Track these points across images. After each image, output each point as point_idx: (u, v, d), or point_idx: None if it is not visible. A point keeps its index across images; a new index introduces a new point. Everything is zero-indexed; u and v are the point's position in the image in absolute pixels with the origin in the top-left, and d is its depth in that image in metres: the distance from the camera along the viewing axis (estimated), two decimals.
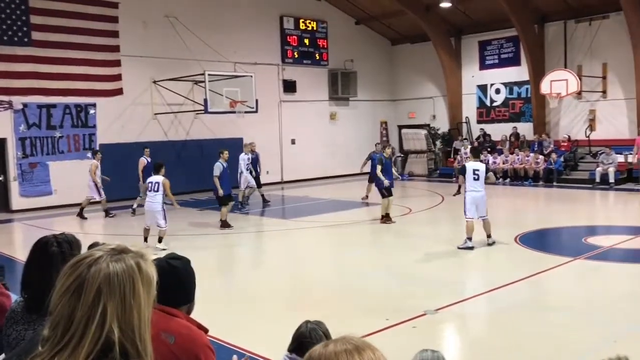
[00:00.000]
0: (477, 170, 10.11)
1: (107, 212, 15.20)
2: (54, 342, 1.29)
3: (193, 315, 2.44)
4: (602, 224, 13.06)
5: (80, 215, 15.01)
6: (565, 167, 19.85)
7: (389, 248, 11.00)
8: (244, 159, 16.10)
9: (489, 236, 10.20)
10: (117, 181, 16.88)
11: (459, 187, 15.35)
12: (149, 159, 15.45)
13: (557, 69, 19.72)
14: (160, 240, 10.52)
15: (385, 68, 26.28)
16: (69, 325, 1.28)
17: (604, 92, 20.25)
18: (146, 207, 10.79)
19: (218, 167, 12.57)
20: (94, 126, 17.92)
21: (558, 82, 19.04)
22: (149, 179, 10.99)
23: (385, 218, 12.93)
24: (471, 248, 9.91)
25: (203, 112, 17.95)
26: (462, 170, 10.42)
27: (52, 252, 2.53)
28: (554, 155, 19.73)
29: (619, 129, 19.91)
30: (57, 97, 17.07)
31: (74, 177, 17.28)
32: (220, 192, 12.55)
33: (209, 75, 17.16)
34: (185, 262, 2.46)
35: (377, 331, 5.77)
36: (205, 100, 17.05)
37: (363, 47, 25.13)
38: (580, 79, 19.23)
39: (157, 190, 10.52)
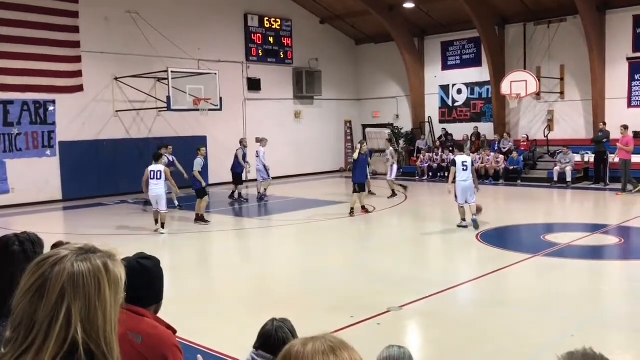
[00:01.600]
0: (465, 162, 11.66)
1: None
2: (17, 343, 1.26)
3: (159, 316, 2.43)
4: (559, 221, 13.41)
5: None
6: (525, 166, 20.30)
7: (353, 246, 11.08)
8: (262, 152, 17.29)
9: (474, 214, 11.53)
10: (78, 179, 16.54)
11: (393, 191, 16.68)
12: (172, 157, 15.60)
13: (516, 70, 20.14)
14: (162, 226, 11.94)
15: (350, 67, 26.42)
16: (32, 326, 1.25)
17: (562, 93, 20.79)
18: (151, 193, 12.04)
19: (199, 163, 13.40)
20: (54, 123, 17.51)
21: (518, 83, 19.44)
22: (151, 168, 12.19)
23: (351, 212, 13.66)
24: (465, 227, 11.61)
25: (166, 109, 17.75)
26: (454, 163, 11.89)
27: (14, 251, 2.47)
28: (514, 154, 20.14)
29: (576, 130, 20.46)
30: (15, 93, 16.62)
31: (32, 175, 16.90)
32: (204, 183, 13.32)
33: (172, 72, 16.96)
34: (155, 262, 2.45)
35: (341, 328, 5.82)
36: (168, 98, 16.86)
37: (328, 46, 25.21)
38: (539, 80, 19.68)
39: (160, 178, 12.01)
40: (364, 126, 26.13)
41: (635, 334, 6.08)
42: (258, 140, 17.70)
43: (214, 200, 16.29)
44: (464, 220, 11.68)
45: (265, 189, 17.40)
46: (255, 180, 17.84)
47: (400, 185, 17.50)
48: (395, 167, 17.26)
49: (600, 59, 19.30)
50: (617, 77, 19.42)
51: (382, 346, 2.80)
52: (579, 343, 1.33)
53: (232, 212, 15.83)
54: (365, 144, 14.90)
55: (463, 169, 11.54)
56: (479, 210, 11.67)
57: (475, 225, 11.37)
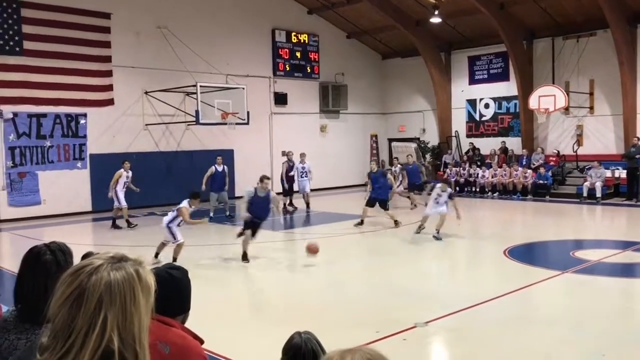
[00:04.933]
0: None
1: (128, 223, 14.98)
2: (55, 351, 1.29)
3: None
4: (589, 238, 13.17)
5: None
6: (554, 182, 20.02)
7: (379, 260, 11.02)
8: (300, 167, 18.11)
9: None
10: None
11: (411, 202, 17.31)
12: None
13: (545, 85, 19.96)
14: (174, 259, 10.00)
15: (376, 82, 26.45)
16: (69, 334, 1.28)
17: (591, 108, 20.50)
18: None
19: (249, 194, 10.82)
20: (85, 136, 17.88)
21: (546, 98, 19.26)
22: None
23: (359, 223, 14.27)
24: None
25: (194, 123, 17.97)
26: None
27: (46, 261, 2.52)
28: (542, 169, 19.90)
29: (606, 145, 20.14)
30: (47, 106, 17.03)
31: (63, 187, 17.23)
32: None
33: (200, 86, 17.20)
34: (184, 272, 2.48)
35: (367, 343, 5.78)
36: (197, 112, 17.08)
37: (354, 60, 25.30)
38: (567, 94, 19.46)
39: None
40: (390, 140, 26.08)
41: None
42: (301, 155, 18.52)
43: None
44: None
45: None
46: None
47: (408, 197, 17.96)
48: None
49: (631, 73, 19.01)
50: None
51: None
52: None
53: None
54: (374, 161, 15.63)
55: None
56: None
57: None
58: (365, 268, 10.34)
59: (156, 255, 10.37)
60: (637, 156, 17.63)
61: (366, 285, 8.82)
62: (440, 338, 6.69)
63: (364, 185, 17.04)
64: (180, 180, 19.27)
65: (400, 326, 6.55)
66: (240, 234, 11.00)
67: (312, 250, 9.96)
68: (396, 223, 14.04)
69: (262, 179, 10.77)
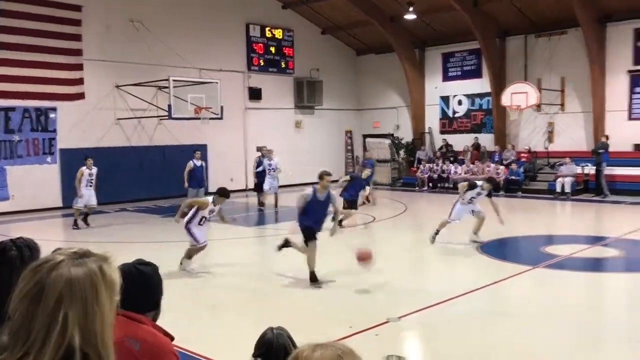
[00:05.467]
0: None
1: (75, 222, 14.02)
2: (15, 349, 1.25)
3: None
4: (559, 233, 13.38)
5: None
6: (525, 178, 20.29)
7: (352, 256, 11.03)
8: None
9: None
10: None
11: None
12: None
13: (517, 82, 20.19)
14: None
15: (351, 78, 26.49)
16: (29, 333, 1.24)
17: (562, 105, 20.82)
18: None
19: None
20: (54, 130, 17.55)
21: (518, 95, 19.48)
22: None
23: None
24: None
25: (167, 117, 17.78)
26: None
27: (11, 257, 2.46)
28: (514, 165, 20.14)
29: (576, 141, 20.46)
30: (16, 100, 16.68)
31: (32, 182, 16.90)
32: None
33: (173, 80, 17.01)
34: (154, 268, 2.44)
35: (340, 338, 5.78)
36: (169, 106, 16.89)
37: (329, 56, 25.28)
38: (540, 91, 19.73)
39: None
40: (365, 136, 26.16)
41: (637, 344, 6.05)
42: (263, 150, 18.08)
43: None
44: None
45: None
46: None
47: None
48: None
49: (600, 72, 19.35)
50: (617, 89, 19.47)
51: (380, 356, 2.78)
52: (579, 356, 1.32)
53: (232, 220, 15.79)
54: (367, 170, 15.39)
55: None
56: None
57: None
58: (338, 264, 10.34)
59: (182, 262, 9.31)
60: (601, 151, 17.99)
61: (340, 281, 8.83)
62: (412, 333, 6.74)
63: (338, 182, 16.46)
64: (153, 176, 19.09)
65: (373, 321, 6.57)
66: (283, 246, 9.12)
67: (364, 258, 8.15)
68: (340, 222, 12.64)
69: (323, 175, 8.51)
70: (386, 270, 9.49)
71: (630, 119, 19.39)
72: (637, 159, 18.64)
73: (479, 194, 11.11)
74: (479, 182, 11.34)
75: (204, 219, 9.19)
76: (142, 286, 2.30)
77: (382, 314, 6.83)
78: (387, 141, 24.36)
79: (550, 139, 21.00)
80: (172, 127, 19.73)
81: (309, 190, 8.69)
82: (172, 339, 2.33)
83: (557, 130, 21.08)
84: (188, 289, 8.67)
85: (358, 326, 6.38)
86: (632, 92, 19.33)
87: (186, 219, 9.23)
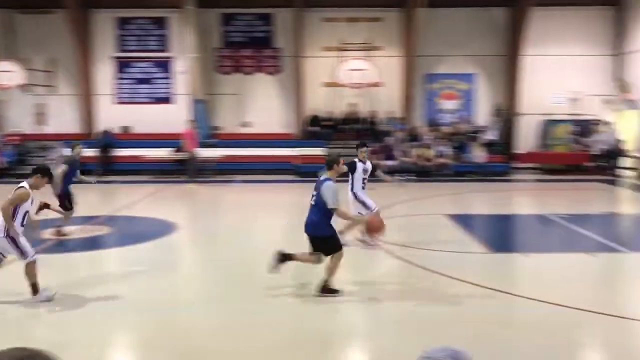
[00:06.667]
0: None
1: None
2: None
3: None
4: None
5: None
6: (19, 162, 19.21)
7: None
8: None
9: None
10: None
11: None
12: None
13: (1, 60, 18.84)
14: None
15: None
16: None
17: (53, 86, 20.46)
18: None
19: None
20: None
21: (3, 74, 18.26)
22: None
23: None
24: None
25: None
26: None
27: None
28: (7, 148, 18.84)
29: (70, 124, 20.46)
30: None
31: None
32: None
33: None
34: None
35: None
36: None
37: None
38: (28, 71, 18.90)
39: None
40: None
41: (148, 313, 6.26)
42: None
43: None
44: None
45: None
46: None
47: None
48: None
49: (87, 56, 19.88)
50: (104, 74, 20.38)
51: None
52: None
53: None
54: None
55: None
56: None
57: None
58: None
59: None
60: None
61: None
62: None
63: None
64: None
65: None
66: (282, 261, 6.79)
67: (375, 228, 6.81)
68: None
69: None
70: None
71: (116, 102, 20.56)
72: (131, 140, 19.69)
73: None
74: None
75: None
76: None
77: None
78: None
79: (40, 121, 20.40)
80: None
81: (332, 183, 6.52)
82: None
83: (49, 112, 20.64)
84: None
85: None
86: (116, 77, 20.51)
87: None
